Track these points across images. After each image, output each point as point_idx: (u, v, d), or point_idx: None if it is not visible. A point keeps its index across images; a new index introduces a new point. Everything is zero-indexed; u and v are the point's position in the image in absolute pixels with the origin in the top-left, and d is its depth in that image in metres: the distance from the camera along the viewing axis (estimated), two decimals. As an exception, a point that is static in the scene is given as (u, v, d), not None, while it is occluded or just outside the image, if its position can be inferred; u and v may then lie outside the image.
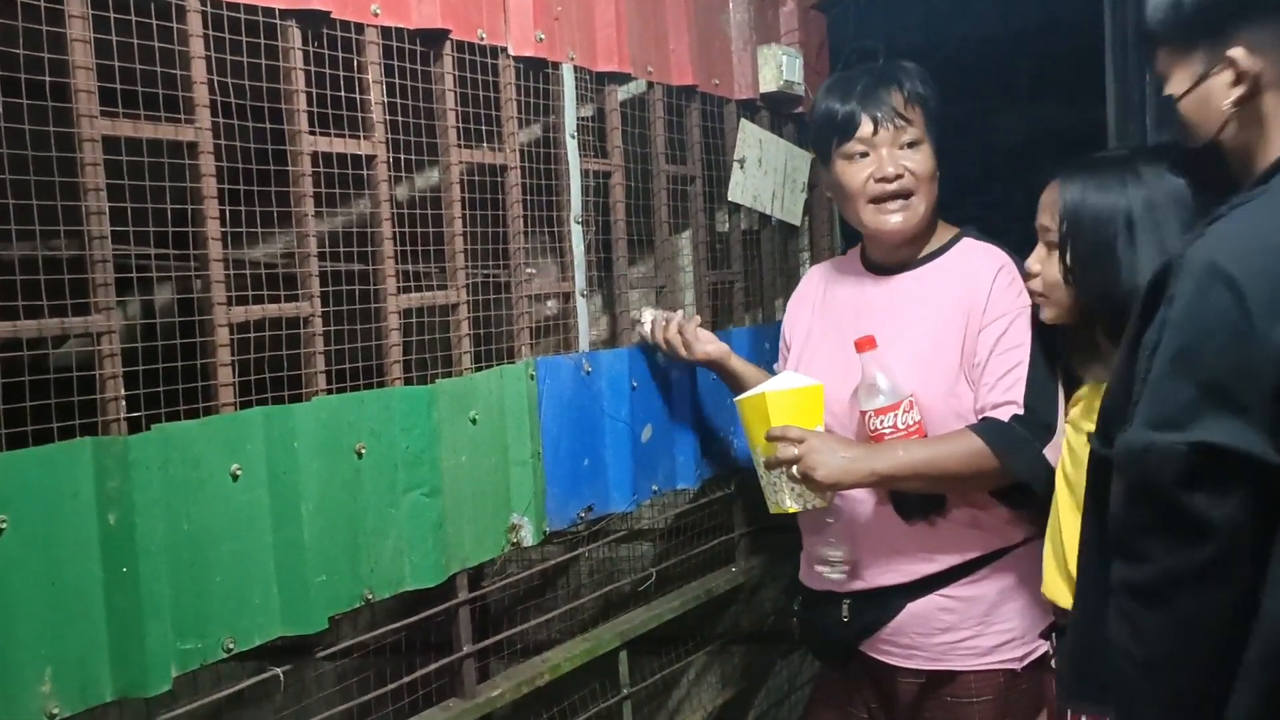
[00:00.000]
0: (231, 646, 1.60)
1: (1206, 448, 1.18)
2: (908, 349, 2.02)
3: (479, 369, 2.05)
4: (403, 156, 1.93)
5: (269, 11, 1.70)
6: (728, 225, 2.81)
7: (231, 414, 1.62)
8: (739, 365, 2.27)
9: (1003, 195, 5.60)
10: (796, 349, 2.24)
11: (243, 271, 1.71)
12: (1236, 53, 1.37)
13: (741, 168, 2.70)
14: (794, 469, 1.92)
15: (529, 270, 2.19)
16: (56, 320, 1.45)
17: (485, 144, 2.11)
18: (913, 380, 1.98)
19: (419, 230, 1.99)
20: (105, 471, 1.45)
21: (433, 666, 2.00)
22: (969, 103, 5.14)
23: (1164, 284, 1.27)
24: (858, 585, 2.07)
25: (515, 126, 2.14)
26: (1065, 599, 1.75)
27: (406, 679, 1.95)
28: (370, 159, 1.88)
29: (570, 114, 2.25)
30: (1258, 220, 1.26)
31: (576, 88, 2.27)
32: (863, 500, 2.05)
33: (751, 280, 2.86)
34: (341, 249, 1.88)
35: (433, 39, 1.97)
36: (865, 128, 2.04)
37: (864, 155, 2.05)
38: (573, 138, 2.26)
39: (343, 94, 1.82)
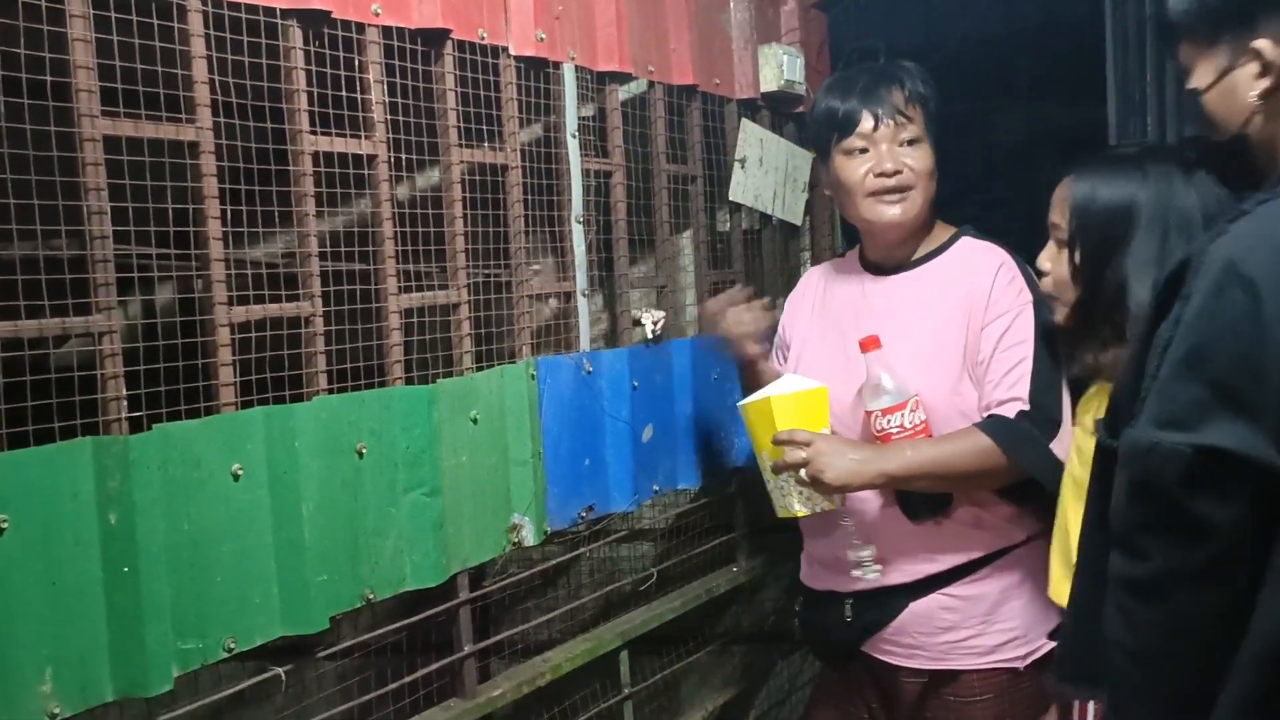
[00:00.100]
0: (232, 646, 1.59)
1: (1211, 450, 1.17)
2: (909, 348, 2.02)
3: (480, 369, 2.05)
4: (404, 156, 1.93)
5: (270, 11, 1.70)
6: (729, 225, 2.81)
7: (232, 414, 1.62)
8: (764, 367, 2.23)
9: (1003, 195, 5.61)
10: (795, 351, 2.23)
11: (244, 271, 1.71)
12: (1262, 44, 1.35)
13: (742, 167, 2.70)
14: (802, 472, 1.92)
15: (534, 268, 2.19)
16: (58, 320, 1.45)
17: (486, 144, 2.11)
18: (916, 380, 1.98)
19: (420, 230, 1.99)
20: (106, 471, 1.45)
21: (434, 666, 1.99)
22: (969, 103, 5.15)
23: (1181, 279, 1.26)
24: (860, 585, 2.07)
25: (516, 126, 2.13)
26: None
27: (407, 679, 1.95)
28: (371, 158, 1.88)
29: (571, 113, 2.25)
30: None
31: (577, 87, 2.27)
32: (869, 501, 2.05)
33: (753, 280, 2.86)
34: (342, 249, 1.88)
35: (434, 38, 1.97)
36: (865, 123, 2.05)
37: (863, 151, 2.05)
38: (574, 137, 2.26)
39: (344, 93, 1.82)
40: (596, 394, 2.28)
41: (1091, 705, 1.74)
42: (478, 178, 2.13)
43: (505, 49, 2.11)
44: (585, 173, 2.30)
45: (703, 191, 2.68)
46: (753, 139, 2.73)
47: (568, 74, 2.25)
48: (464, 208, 2.04)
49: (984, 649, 2.02)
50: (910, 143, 2.05)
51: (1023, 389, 1.95)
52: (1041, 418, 1.93)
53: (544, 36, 2.17)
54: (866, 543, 2.02)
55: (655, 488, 2.44)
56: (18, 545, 1.36)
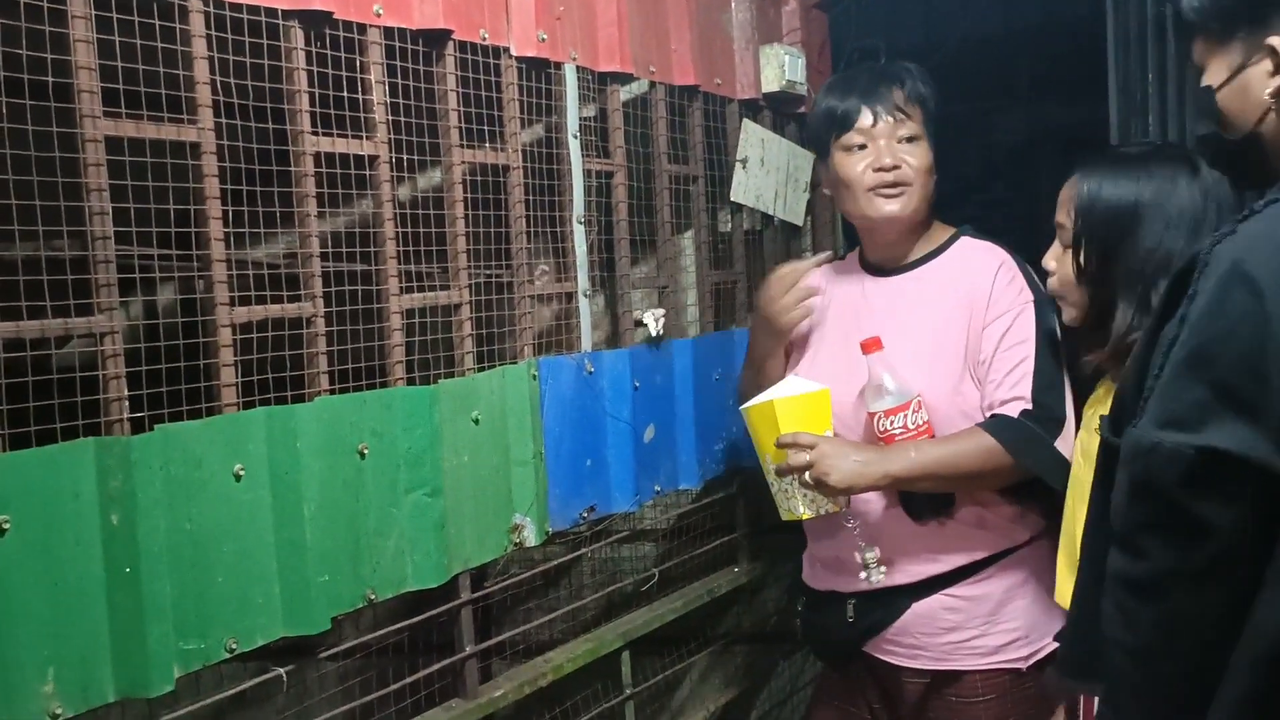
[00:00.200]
0: (234, 647, 1.59)
1: (1213, 451, 1.17)
2: (910, 349, 2.02)
3: (481, 369, 2.05)
4: (405, 157, 1.93)
5: (271, 12, 1.70)
6: (730, 225, 2.81)
7: (234, 414, 1.62)
8: (777, 365, 2.21)
9: (1003, 195, 5.61)
10: (795, 353, 2.23)
11: (245, 272, 1.71)
12: (1276, 41, 1.34)
13: (744, 168, 2.70)
14: (806, 475, 1.92)
15: (542, 267, 2.19)
16: (60, 320, 1.45)
17: (487, 144, 2.11)
18: (917, 380, 1.98)
19: (421, 230, 1.99)
20: (108, 471, 1.45)
21: (435, 667, 1.99)
22: (969, 103, 5.14)
23: (1187, 279, 1.26)
24: (863, 586, 2.07)
25: (517, 126, 2.13)
26: None
27: (409, 679, 1.95)
28: (373, 159, 1.87)
29: (572, 114, 2.25)
30: None
31: (579, 87, 2.27)
32: (872, 502, 2.05)
33: (754, 280, 2.85)
34: (344, 249, 1.88)
35: (435, 39, 1.97)
36: (864, 119, 2.06)
37: (862, 147, 2.07)
38: (575, 138, 2.26)
39: (345, 94, 1.81)
40: (598, 394, 2.28)
41: (1098, 704, 1.74)
42: (479, 178, 2.13)
43: (507, 49, 2.11)
44: (587, 173, 2.30)
45: (704, 192, 2.67)
46: (754, 139, 2.73)
47: (569, 74, 2.25)
48: (465, 208, 2.04)
49: (987, 649, 2.02)
50: (909, 140, 2.06)
51: (1025, 388, 1.96)
52: (1045, 416, 1.93)
53: (545, 37, 2.17)
54: (872, 544, 2.02)
55: (657, 488, 2.44)
56: (19, 545, 1.36)
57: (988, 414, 1.99)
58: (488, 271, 2.13)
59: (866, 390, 1.99)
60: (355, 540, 1.77)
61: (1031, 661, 2.03)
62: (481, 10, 2.04)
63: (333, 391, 1.77)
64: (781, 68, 2.78)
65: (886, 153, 2.04)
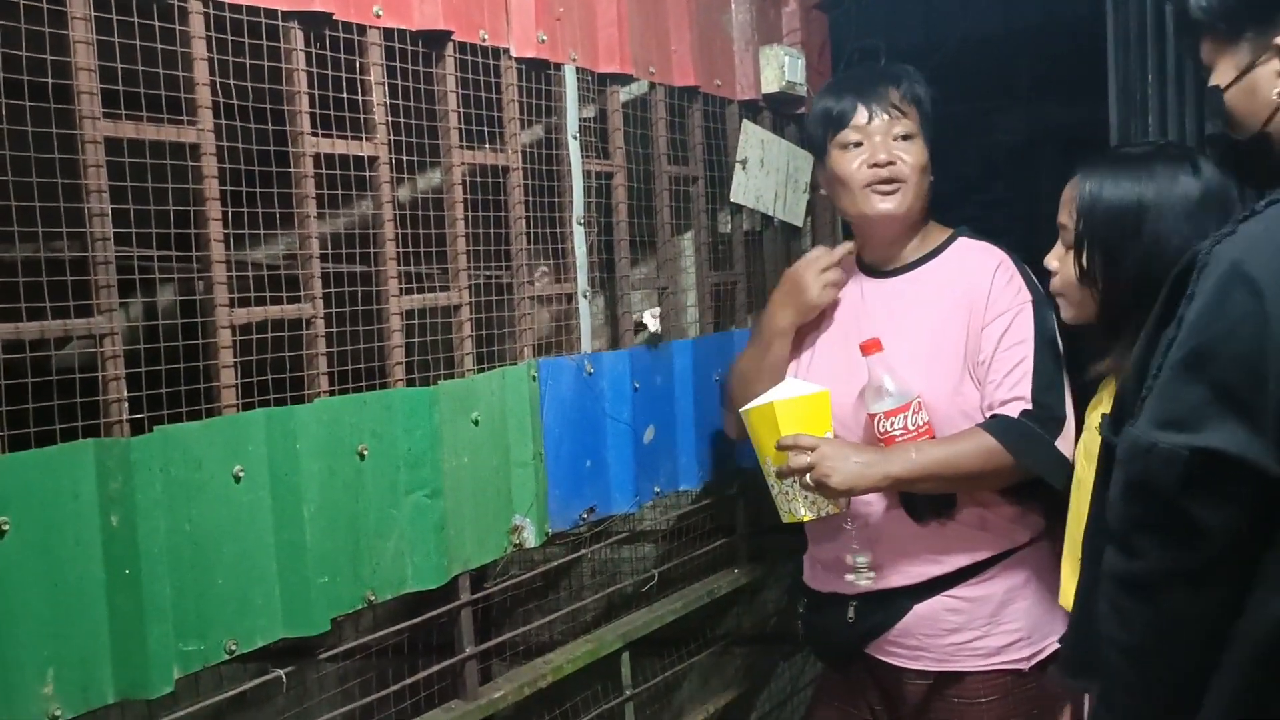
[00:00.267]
0: (234, 648, 1.59)
1: (1209, 453, 1.17)
2: (909, 350, 2.02)
3: (481, 370, 2.05)
4: (405, 158, 1.93)
5: (271, 13, 1.70)
6: (730, 226, 2.81)
7: (233, 415, 1.62)
8: (786, 345, 2.19)
9: (1003, 195, 5.60)
10: (793, 354, 2.22)
11: (245, 273, 1.71)
12: None
13: (744, 168, 2.70)
14: (807, 477, 1.92)
15: (542, 269, 2.18)
16: (59, 322, 1.45)
17: (487, 145, 2.11)
18: (917, 381, 1.98)
19: (421, 231, 1.99)
20: (107, 473, 1.45)
21: (435, 668, 1.99)
22: (969, 103, 5.13)
23: (1187, 279, 1.26)
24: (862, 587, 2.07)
25: (517, 127, 2.13)
26: None
27: (409, 680, 1.95)
28: (372, 160, 1.87)
29: (572, 115, 2.25)
30: None
31: (578, 88, 2.27)
32: (873, 503, 2.05)
33: (754, 281, 2.86)
34: (344, 250, 1.88)
35: (435, 40, 1.97)
36: (860, 116, 2.07)
37: (858, 145, 2.07)
38: (575, 139, 2.26)
39: (345, 95, 1.81)
40: (598, 395, 2.28)
41: (1094, 701, 1.74)
42: (479, 179, 2.13)
43: (506, 50, 2.11)
44: (586, 174, 2.30)
45: (704, 193, 2.67)
46: (754, 140, 2.73)
47: (569, 75, 2.25)
48: (465, 209, 2.04)
49: (989, 650, 2.02)
50: (904, 138, 2.07)
51: (1025, 388, 1.96)
52: (1045, 416, 1.94)
53: (545, 38, 2.17)
54: (865, 548, 2.02)
55: (656, 489, 2.44)
56: (19, 547, 1.36)
57: (988, 414, 1.99)
58: (487, 273, 2.13)
59: (866, 391, 1.99)
60: (355, 541, 1.77)
61: (1033, 662, 2.03)
62: (481, 11, 2.04)
63: (332, 393, 1.77)
64: (781, 69, 2.78)
65: (882, 149, 2.05)
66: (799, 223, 2.94)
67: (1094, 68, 2.74)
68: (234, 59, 1.66)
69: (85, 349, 1.50)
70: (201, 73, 1.61)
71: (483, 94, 2.06)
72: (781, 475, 1.97)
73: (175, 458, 1.53)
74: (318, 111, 1.77)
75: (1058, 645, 2.01)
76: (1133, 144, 2.08)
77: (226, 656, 1.59)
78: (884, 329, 2.02)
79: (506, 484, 2.07)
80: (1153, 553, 1.22)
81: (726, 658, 2.88)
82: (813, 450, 1.91)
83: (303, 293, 1.77)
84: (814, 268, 2.13)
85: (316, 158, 1.77)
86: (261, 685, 1.68)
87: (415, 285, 1.97)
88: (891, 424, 1.95)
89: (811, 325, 2.20)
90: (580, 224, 2.27)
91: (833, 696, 2.24)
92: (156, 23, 1.57)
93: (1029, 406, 1.95)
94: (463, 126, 2.02)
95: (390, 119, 1.90)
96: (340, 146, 1.82)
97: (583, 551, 2.49)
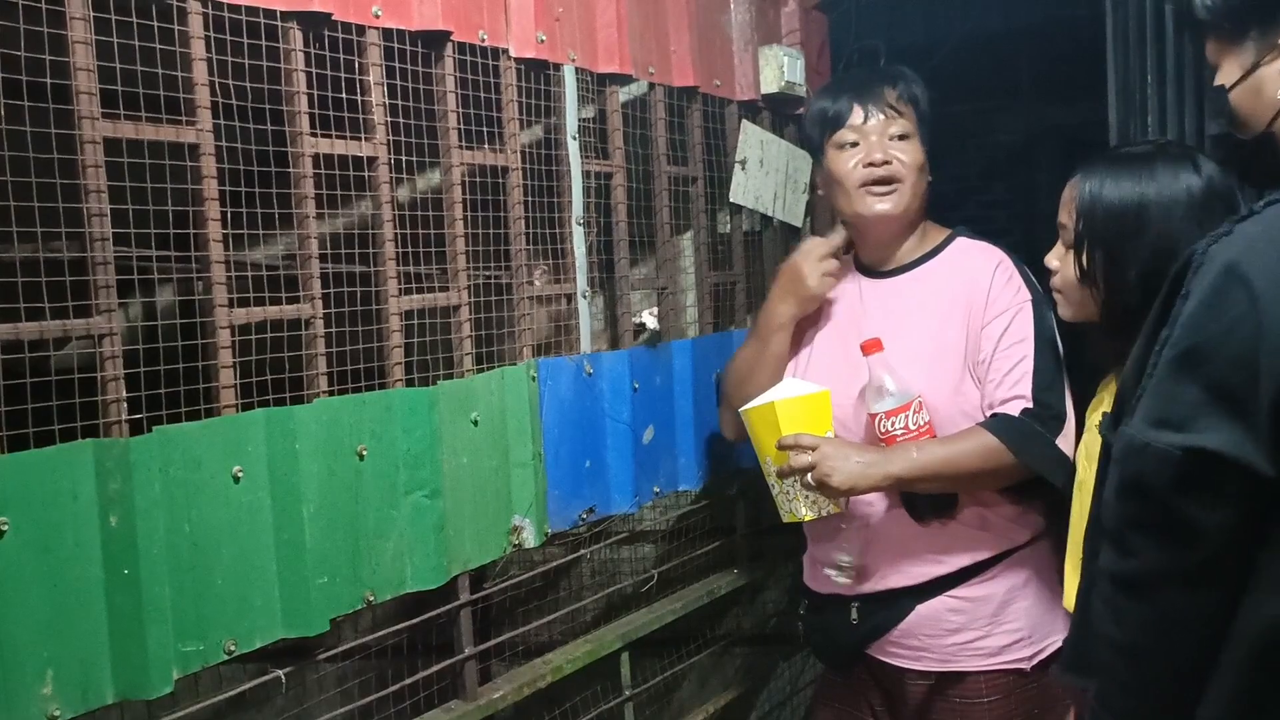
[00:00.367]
0: (233, 649, 1.59)
1: (1202, 453, 1.17)
2: (909, 350, 2.02)
3: (480, 370, 2.05)
4: (404, 158, 1.93)
5: (270, 13, 1.70)
6: (729, 226, 2.81)
7: (233, 415, 1.62)
8: (785, 340, 2.19)
9: (1003, 195, 5.61)
10: (791, 353, 2.22)
11: (244, 273, 1.71)
12: None
13: (743, 169, 2.70)
14: (809, 476, 1.92)
15: (542, 268, 2.18)
16: (58, 322, 1.45)
17: (487, 145, 2.11)
18: (917, 381, 1.98)
19: (420, 232, 1.99)
20: (106, 473, 1.45)
21: (434, 668, 1.99)
22: (969, 102, 5.14)
23: (1183, 278, 1.26)
24: (867, 588, 2.07)
25: (516, 128, 2.13)
26: None
27: (408, 681, 1.95)
28: (372, 160, 1.87)
29: (571, 115, 2.25)
30: None
31: (578, 89, 2.27)
32: (874, 503, 2.04)
33: (753, 281, 2.86)
34: (343, 250, 1.88)
35: (434, 40, 1.97)
36: (856, 116, 2.08)
37: (854, 145, 2.08)
38: (574, 139, 2.26)
39: (344, 95, 1.81)
40: (597, 396, 2.28)
41: (1090, 698, 1.74)
42: (478, 179, 2.13)
43: (506, 51, 2.11)
44: (586, 174, 2.30)
45: (703, 193, 2.67)
46: (753, 140, 2.73)
47: (568, 75, 2.25)
48: (464, 209, 2.04)
49: (991, 650, 2.02)
50: (901, 138, 2.07)
51: (1025, 387, 1.96)
52: (1046, 414, 1.94)
53: (544, 38, 2.17)
54: (854, 549, 2.03)
55: (656, 489, 2.44)
56: (18, 547, 1.36)
57: (988, 413, 1.99)
58: (487, 273, 2.13)
59: (867, 391, 1.99)
60: (354, 542, 1.77)
61: (1035, 661, 2.03)
62: (480, 11, 2.04)
63: (332, 393, 1.77)
64: (781, 69, 2.78)
65: (878, 149, 2.05)
66: (798, 223, 2.94)
67: (1094, 68, 2.73)
68: (233, 59, 1.66)
69: (84, 349, 1.50)
70: (200, 73, 1.61)
71: (482, 94, 2.06)
72: (783, 475, 1.97)
73: (174, 458, 1.53)
74: (317, 112, 1.77)
75: (1059, 644, 2.02)
76: (1133, 143, 2.07)
77: (226, 657, 1.59)
78: (883, 329, 2.02)
79: (506, 484, 2.07)
80: (1147, 552, 1.22)
81: (726, 658, 2.88)
82: (814, 450, 1.91)
83: (302, 293, 1.77)
84: (811, 257, 2.13)
85: (316, 158, 1.77)
86: (261, 686, 1.68)
87: (414, 285, 1.97)
88: (893, 424, 1.95)
89: (809, 325, 2.20)
90: (579, 224, 2.27)
91: (833, 699, 2.24)
92: (155, 23, 1.57)
93: (1030, 405, 1.95)
94: (462, 127, 2.02)
95: (389, 119, 1.90)
96: (339, 147, 1.82)
97: (582, 552, 2.49)
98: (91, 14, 1.48)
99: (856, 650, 2.12)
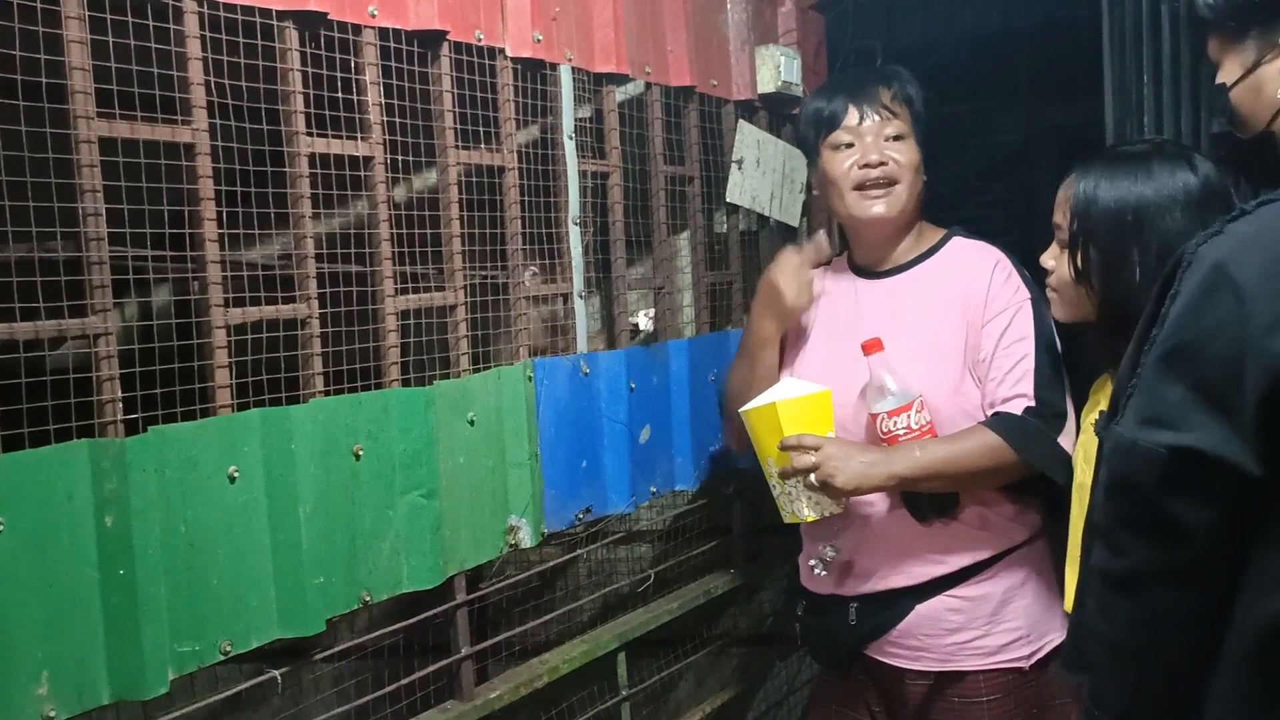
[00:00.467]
0: (229, 649, 1.59)
1: (1187, 451, 1.17)
2: (909, 350, 2.02)
3: (477, 370, 2.05)
4: (400, 158, 1.93)
5: (266, 13, 1.70)
6: (726, 226, 2.81)
7: (228, 415, 1.62)
8: (773, 355, 2.19)
9: (1002, 195, 5.61)
10: (787, 355, 2.22)
11: (240, 273, 1.71)
12: None
13: (740, 169, 2.70)
14: (811, 477, 1.92)
15: (532, 269, 2.18)
16: (53, 322, 1.45)
17: (483, 145, 2.11)
18: (917, 381, 1.98)
19: (417, 231, 1.99)
20: (102, 473, 1.45)
21: (431, 668, 1.99)
22: (968, 102, 5.14)
23: (1175, 277, 1.26)
24: (866, 588, 2.07)
25: (513, 127, 2.13)
26: None
27: (404, 681, 1.95)
28: (368, 160, 1.87)
29: (568, 115, 2.25)
30: (1277, 224, 1.24)
31: (574, 88, 2.27)
32: (875, 503, 2.04)
33: (750, 281, 2.86)
34: (339, 250, 1.87)
35: (430, 40, 1.97)
36: (851, 117, 2.08)
37: (849, 146, 2.08)
38: (570, 139, 2.26)
39: (340, 95, 1.81)
40: (594, 395, 2.28)
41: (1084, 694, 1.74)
42: (474, 179, 2.13)
43: (502, 50, 2.11)
44: (582, 174, 2.30)
45: (700, 193, 2.67)
46: (750, 140, 2.73)
47: (564, 75, 2.25)
48: (461, 209, 2.04)
49: (989, 649, 2.02)
50: (896, 138, 2.07)
51: (1026, 385, 1.96)
52: (1047, 412, 1.94)
53: (541, 38, 2.17)
54: (844, 545, 2.03)
55: (653, 489, 2.43)
56: (13, 548, 1.36)
57: (990, 412, 1.99)
58: (483, 273, 2.13)
59: (868, 391, 1.99)
60: (350, 542, 1.77)
61: (1033, 660, 2.03)
62: (477, 11, 2.04)
63: (328, 393, 1.77)
64: (777, 69, 2.78)
65: (873, 150, 2.05)
66: (795, 223, 2.95)
67: (1094, 67, 2.73)
68: (229, 58, 1.66)
69: (80, 349, 1.50)
70: (196, 72, 1.61)
71: (478, 94, 2.06)
72: (785, 475, 1.96)
73: (170, 458, 1.53)
74: (313, 111, 1.77)
75: (1057, 643, 2.02)
76: (1129, 142, 2.07)
77: (222, 657, 1.59)
78: (881, 329, 2.02)
79: (502, 484, 2.07)
80: (1137, 550, 1.23)
81: (723, 657, 2.88)
82: (817, 450, 1.91)
83: (298, 293, 1.77)
84: (785, 271, 2.12)
85: (311, 157, 1.77)
86: (257, 686, 1.68)
87: (411, 285, 1.97)
88: (894, 423, 1.95)
89: (805, 328, 2.20)
90: (576, 224, 2.27)
91: (830, 700, 2.24)
92: (151, 22, 1.57)
93: (1032, 403, 1.95)
94: (458, 126, 2.02)
95: (385, 119, 1.90)
96: (335, 146, 1.82)
97: (579, 552, 2.49)
98: (87, 13, 1.48)
99: (855, 651, 2.11)
